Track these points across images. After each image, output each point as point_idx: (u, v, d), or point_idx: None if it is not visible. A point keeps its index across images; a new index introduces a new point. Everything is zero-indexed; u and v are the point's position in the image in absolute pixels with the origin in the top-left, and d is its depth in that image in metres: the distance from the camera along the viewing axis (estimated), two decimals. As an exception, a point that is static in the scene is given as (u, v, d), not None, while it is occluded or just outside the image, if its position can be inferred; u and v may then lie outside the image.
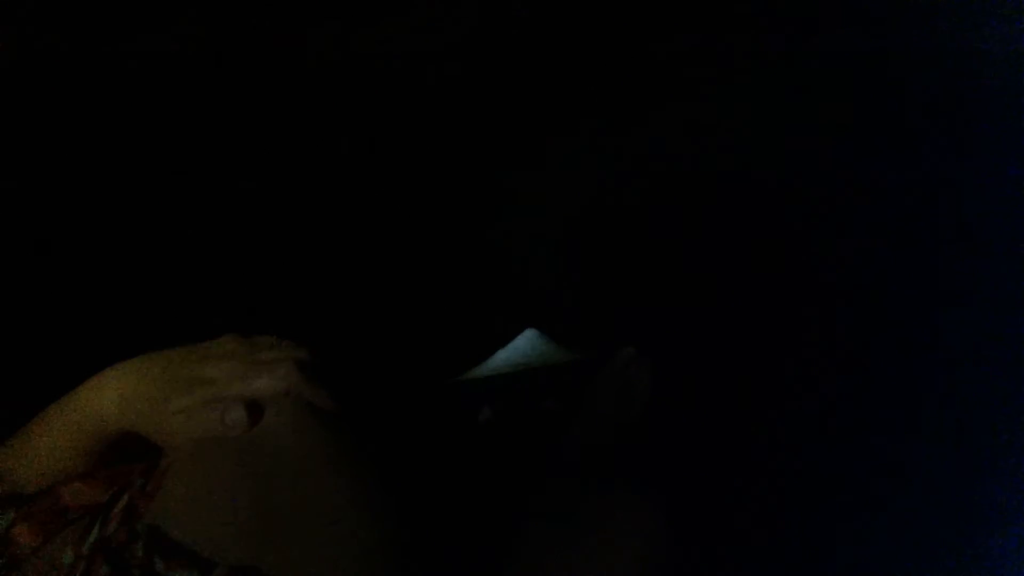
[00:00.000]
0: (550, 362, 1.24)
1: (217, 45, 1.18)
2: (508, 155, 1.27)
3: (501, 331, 1.29)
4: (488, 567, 0.59)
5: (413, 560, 0.48)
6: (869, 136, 1.32)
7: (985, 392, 1.13)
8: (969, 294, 1.22)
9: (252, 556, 0.43)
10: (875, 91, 1.33)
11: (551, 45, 1.22)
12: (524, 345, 1.26)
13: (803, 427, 1.21)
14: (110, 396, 0.53)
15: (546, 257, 1.36)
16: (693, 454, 1.18)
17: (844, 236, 1.33)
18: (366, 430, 0.51)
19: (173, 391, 0.48)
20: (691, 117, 1.36)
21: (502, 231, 1.33)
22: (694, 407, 1.21)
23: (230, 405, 0.46)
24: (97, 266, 1.09)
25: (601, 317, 1.33)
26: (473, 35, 1.23)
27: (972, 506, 1.05)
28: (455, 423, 1.09)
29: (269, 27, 1.18)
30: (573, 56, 1.26)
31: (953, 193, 1.28)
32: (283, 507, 0.44)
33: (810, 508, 1.14)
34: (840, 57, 1.33)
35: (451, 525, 0.59)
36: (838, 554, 1.07)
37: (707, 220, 1.34)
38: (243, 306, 1.04)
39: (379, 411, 0.59)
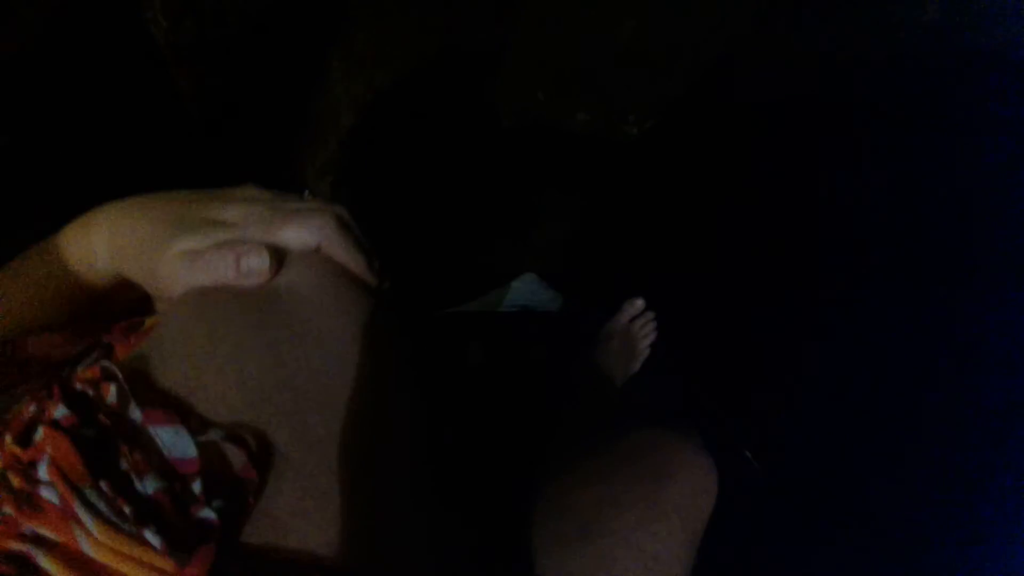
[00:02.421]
0: (545, 308, 1.18)
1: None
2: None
3: (502, 271, 1.23)
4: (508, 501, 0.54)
5: (430, 461, 0.42)
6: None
7: (985, 392, 1.12)
8: (969, 293, 1.20)
9: (257, 427, 0.36)
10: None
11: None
12: (522, 288, 1.21)
13: (804, 384, 1.19)
14: (100, 236, 0.45)
15: (553, 204, 1.30)
16: (696, 409, 1.15)
17: (847, 224, 1.31)
18: (394, 317, 0.43)
19: (179, 231, 0.40)
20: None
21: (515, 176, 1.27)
22: (698, 361, 1.18)
23: (250, 249, 0.39)
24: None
25: (606, 268, 1.28)
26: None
27: (970, 506, 1.04)
28: (446, 356, 1.03)
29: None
30: None
31: (954, 191, 1.26)
32: (299, 377, 0.37)
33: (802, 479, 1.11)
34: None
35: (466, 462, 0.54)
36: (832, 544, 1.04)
37: (715, 183, 1.30)
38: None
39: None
